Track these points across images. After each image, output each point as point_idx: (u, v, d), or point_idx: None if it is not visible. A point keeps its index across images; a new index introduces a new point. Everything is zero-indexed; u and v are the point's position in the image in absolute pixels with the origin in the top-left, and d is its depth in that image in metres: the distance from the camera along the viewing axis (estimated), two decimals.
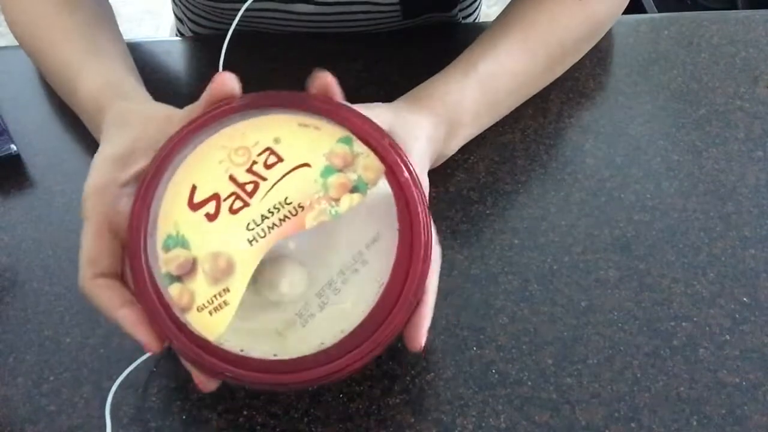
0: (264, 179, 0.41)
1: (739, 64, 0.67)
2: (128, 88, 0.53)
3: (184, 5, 0.80)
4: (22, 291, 0.53)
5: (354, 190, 0.41)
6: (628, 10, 0.66)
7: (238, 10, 0.59)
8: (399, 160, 0.42)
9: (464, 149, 0.58)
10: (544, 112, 0.63)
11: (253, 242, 0.40)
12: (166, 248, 0.40)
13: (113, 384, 0.47)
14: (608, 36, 0.69)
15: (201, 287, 0.40)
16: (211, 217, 0.40)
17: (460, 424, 0.47)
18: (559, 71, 0.63)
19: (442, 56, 0.60)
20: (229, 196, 0.41)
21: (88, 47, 0.56)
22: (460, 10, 0.82)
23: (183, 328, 0.40)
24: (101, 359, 0.50)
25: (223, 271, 0.40)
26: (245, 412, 0.47)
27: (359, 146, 0.42)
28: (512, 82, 0.59)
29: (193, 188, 0.41)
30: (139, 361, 0.48)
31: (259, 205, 0.41)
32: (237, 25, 0.55)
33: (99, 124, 0.50)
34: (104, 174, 0.44)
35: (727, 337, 0.50)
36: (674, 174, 0.59)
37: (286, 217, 0.40)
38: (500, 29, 0.59)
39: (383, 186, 0.41)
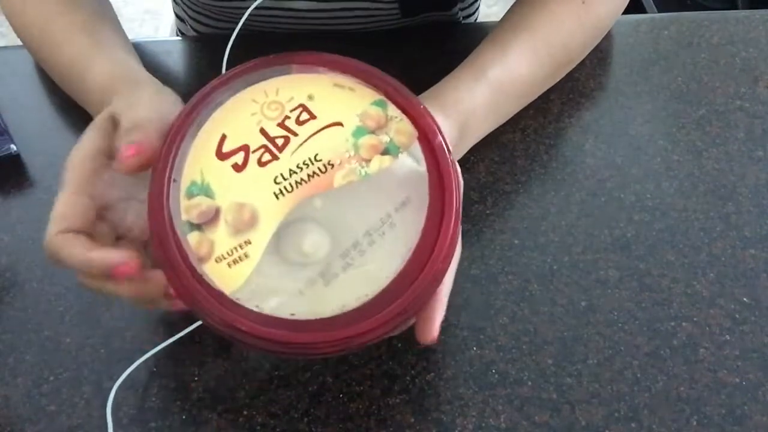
0: (295, 134, 0.41)
1: (739, 64, 0.67)
2: (139, 76, 0.53)
3: (185, 4, 0.80)
4: (22, 291, 0.53)
5: (385, 152, 0.41)
6: (628, 10, 0.66)
7: (242, 8, 0.59)
8: (433, 126, 0.41)
9: None
10: (544, 112, 0.63)
11: (280, 196, 0.40)
12: (190, 195, 0.39)
13: (113, 384, 0.48)
14: (608, 36, 0.69)
15: (222, 237, 0.39)
16: (238, 168, 0.40)
17: (460, 424, 0.47)
18: (561, 75, 0.63)
19: (443, 56, 0.60)
20: (258, 149, 0.40)
21: (95, 43, 0.56)
22: (461, 10, 0.82)
23: (198, 279, 0.38)
24: (101, 359, 0.50)
25: (247, 222, 0.39)
26: (245, 412, 0.47)
27: (393, 110, 0.42)
28: (519, 88, 0.59)
29: (223, 138, 0.40)
30: (139, 361, 0.48)
31: (288, 159, 0.40)
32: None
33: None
34: (94, 142, 0.44)
35: (727, 337, 0.50)
36: (674, 174, 0.59)
37: (315, 173, 0.40)
38: (508, 33, 0.59)
39: (415, 151, 0.41)
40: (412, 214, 0.40)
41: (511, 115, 0.61)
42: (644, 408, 0.47)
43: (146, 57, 0.68)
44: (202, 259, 0.39)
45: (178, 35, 0.88)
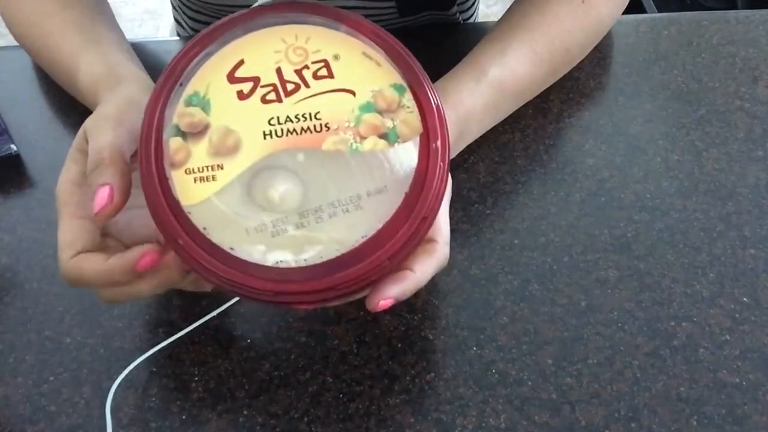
0: (307, 86, 0.41)
1: (739, 64, 0.67)
2: (125, 74, 0.52)
3: (184, 3, 0.80)
4: (22, 291, 0.53)
5: (383, 136, 0.41)
6: (628, 10, 0.66)
7: (242, 8, 0.59)
8: (438, 128, 0.41)
9: (464, 149, 0.58)
10: (544, 112, 0.63)
11: (268, 137, 0.40)
12: (188, 102, 0.41)
13: (113, 384, 0.48)
14: (608, 36, 0.69)
15: (200, 153, 0.40)
16: (242, 96, 0.41)
17: (460, 424, 0.47)
18: (560, 75, 0.63)
19: (442, 56, 0.60)
20: (267, 85, 0.41)
21: (87, 38, 0.56)
22: (460, 13, 0.82)
23: (162, 180, 0.40)
24: (101, 359, 0.50)
25: (228, 148, 0.40)
26: (245, 412, 0.47)
27: (408, 99, 0.41)
28: (518, 88, 0.59)
29: (240, 62, 0.41)
30: (138, 360, 0.48)
31: (290, 107, 0.41)
32: None
33: None
34: (77, 165, 0.45)
35: (727, 337, 0.50)
36: (674, 174, 0.59)
37: (308, 129, 0.41)
38: (508, 33, 0.59)
39: (412, 147, 0.41)
40: (382, 204, 0.40)
41: (508, 114, 0.61)
42: (644, 408, 0.47)
43: (146, 57, 0.68)
44: (173, 165, 0.40)
45: (178, 36, 0.88)
